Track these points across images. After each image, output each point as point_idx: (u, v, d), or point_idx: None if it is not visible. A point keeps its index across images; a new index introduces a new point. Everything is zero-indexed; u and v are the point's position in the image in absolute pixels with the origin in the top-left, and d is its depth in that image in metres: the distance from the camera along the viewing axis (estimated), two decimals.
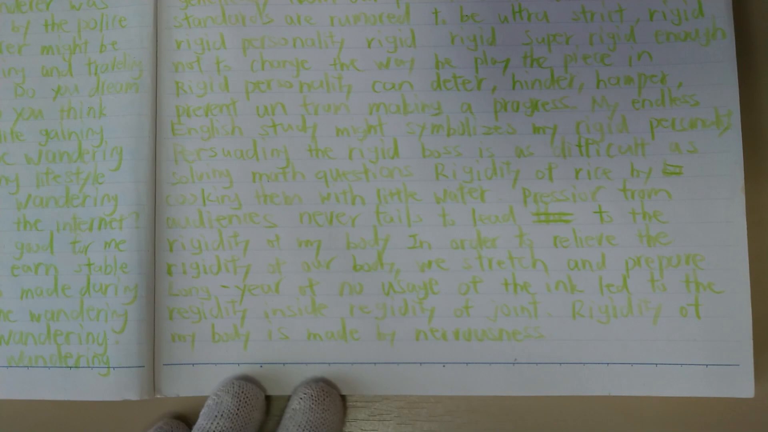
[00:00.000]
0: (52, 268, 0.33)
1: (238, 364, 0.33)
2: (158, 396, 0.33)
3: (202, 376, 0.33)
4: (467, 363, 0.33)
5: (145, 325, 0.33)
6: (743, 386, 0.31)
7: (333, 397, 0.32)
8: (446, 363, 0.33)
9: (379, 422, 0.33)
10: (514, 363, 0.32)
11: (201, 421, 0.30)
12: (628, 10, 0.34)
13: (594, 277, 0.33)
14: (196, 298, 0.33)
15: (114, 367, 0.32)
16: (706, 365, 0.32)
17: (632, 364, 0.32)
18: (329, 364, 0.33)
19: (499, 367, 0.32)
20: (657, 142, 0.33)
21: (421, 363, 0.33)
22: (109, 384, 0.32)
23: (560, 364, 0.32)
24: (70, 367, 0.33)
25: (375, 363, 0.33)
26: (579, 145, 0.33)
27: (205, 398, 0.32)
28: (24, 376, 0.33)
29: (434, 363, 0.33)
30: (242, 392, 0.31)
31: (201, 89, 0.34)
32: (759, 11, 0.34)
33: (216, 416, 0.30)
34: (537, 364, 0.32)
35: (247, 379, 0.32)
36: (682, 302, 0.32)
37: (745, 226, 0.32)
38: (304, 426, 0.30)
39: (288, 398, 0.32)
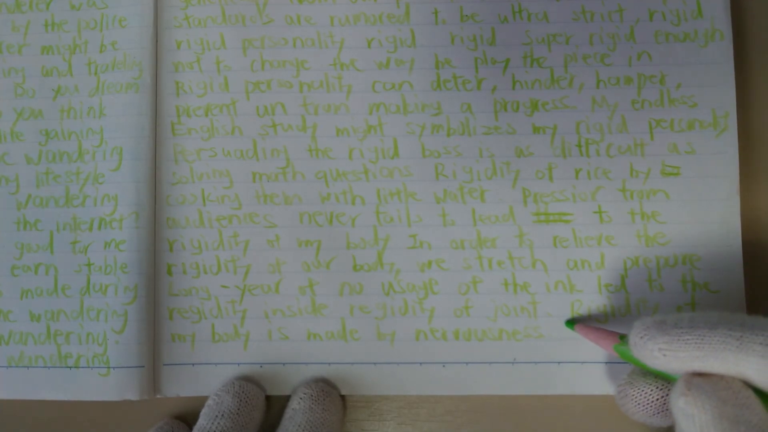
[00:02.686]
0: (52, 268, 0.33)
1: (238, 364, 0.33)
2: (158, 396, 0.33)
3: (202, 376, 0.33)
4: (467, 363, 0.33)
5: (145, 325, 0.33)
6: None
7: (333, 397, 0.32)
8: (446, 363, 0.33)
9: (379, 422, 0.33)
10: (513, 363, 0.33)
11: (201, 421, 0.30)
12: (628, 10, 0.34)
13: (593, 277, 0.33)
14: (196, 298, 0.33)
15: (114, 367, 0.32)
16: None
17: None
18: (329, 364, 0.33)
19: (499, 367, 0.33)
20: (656, 142, 0.33)
21: (421, 363, 0.33)
22: (109, 384, 0.32)
23: (559, 363, 0.32)
24: (70, 367, 0.33)
25: (375, 363, 0.33)
26: (579, 145, 0.33)
27: (205, 398, 0.32)
28: (24, 376, 0.33)
29: (434, 363, 0.33)
30: (243, 392, 0.31)
31: (201, 89, 0.34)
32: (756, 13, 0.35)
33: (216, 416, 0.30)
34: (537, 363, 0.32)
35: (247, 379, 0.32)
36: (679, 302, 0.32)
37: (740, 227, 0.32)
38: (304, 426, 0.30)
39: (288, 398, 0.32)
